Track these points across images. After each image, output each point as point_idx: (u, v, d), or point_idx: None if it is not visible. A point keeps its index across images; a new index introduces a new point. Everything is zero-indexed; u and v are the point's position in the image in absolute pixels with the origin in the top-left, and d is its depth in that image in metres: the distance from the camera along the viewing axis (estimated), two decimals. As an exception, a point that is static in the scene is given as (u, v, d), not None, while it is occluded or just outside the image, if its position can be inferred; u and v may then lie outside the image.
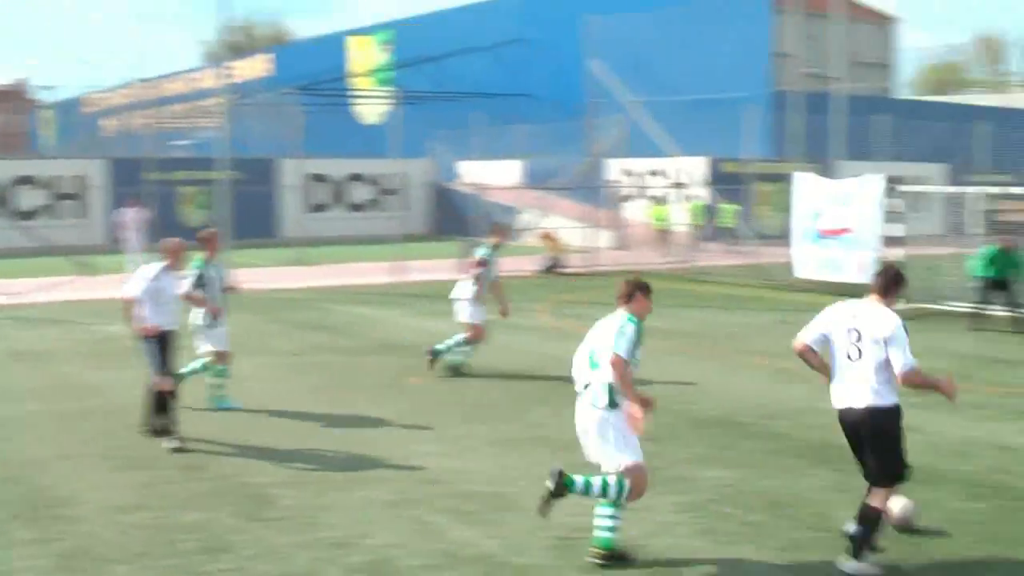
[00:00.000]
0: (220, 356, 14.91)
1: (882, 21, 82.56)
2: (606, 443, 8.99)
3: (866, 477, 9.12)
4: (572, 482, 8.96)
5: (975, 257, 23.20)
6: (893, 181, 28.57)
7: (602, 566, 8.90)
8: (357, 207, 52.89)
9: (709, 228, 42.56)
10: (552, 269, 35.66)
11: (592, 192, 41.63)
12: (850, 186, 28.31)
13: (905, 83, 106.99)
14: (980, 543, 9.54)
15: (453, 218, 47.31)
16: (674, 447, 12.78)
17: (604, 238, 39.52)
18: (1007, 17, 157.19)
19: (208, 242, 14.84)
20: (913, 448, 12.73)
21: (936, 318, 23.89)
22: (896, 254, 25.88)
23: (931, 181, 44.41)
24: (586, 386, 9.11)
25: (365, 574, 8.85)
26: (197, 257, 14.63)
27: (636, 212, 45.33)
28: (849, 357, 9.02)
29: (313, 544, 9.50)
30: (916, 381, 8.90)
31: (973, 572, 8.89)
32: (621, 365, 8.85)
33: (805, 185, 29.55)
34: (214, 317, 14.68)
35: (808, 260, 28.79)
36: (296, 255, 38.57)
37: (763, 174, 42.60)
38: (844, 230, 27.78)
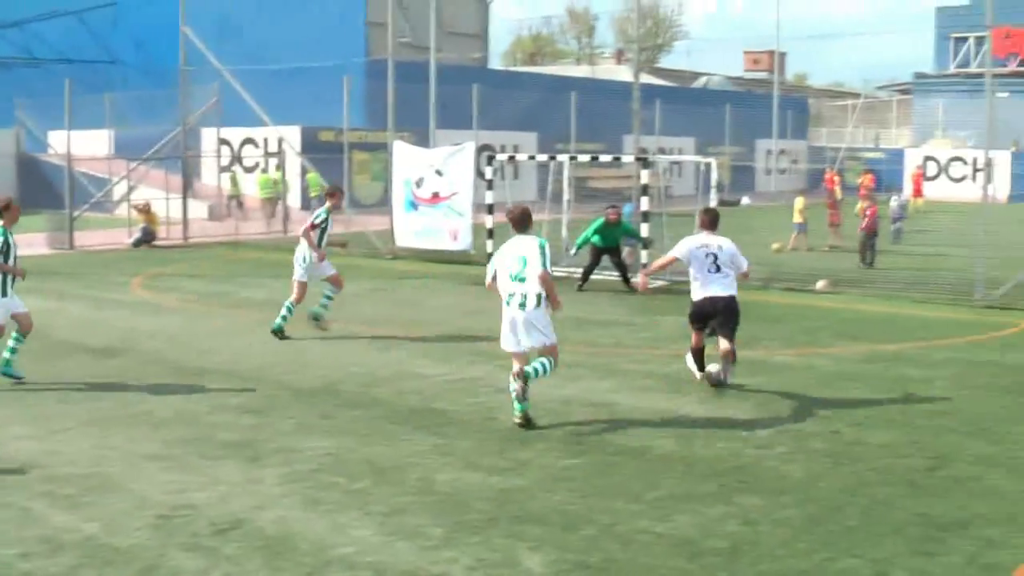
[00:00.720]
0: (19, 319, 14.90)
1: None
2: (541, 331, 12.31)
3: (719, 333, 13.90)
4: (528, 374, 12.14)
5: (588, 229, 24.39)
6: (487, 149, 29.25)
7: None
8: (-62, 180, 50.06)
9: (301, 197, 42.82)
10: (146, 241, 34.92)
11: (185, 162, 40.78)
12: (445, 155, 28.72)
13: (500, 54, 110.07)
14: (582, 497, 9.96)
15: (43, 190, 45.47)
16: (275, 418, 12.79)
17: (197, 209, 38.87)
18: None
19: (7, 209, 15.12)
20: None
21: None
22: (489, 221, 26.56)
23: (524, 149, 45.71)
24: (517, 295, 12.23)
25: (-44, 566, 8.46)
26: None
27: (227, 182, 44.98)
28: (709, 270, 13.89)
29: None
30: (746, 274, 14.43)
31: (574, 526, 9.23)
32: (547, 277, 12.24)
33: (402, 154, 29.83)
34: (15, 279, 15.00)
35: (407, 228, 29.12)
36: None
37: (359, 143, 42.82)
38: (439, 198, 28.25)
